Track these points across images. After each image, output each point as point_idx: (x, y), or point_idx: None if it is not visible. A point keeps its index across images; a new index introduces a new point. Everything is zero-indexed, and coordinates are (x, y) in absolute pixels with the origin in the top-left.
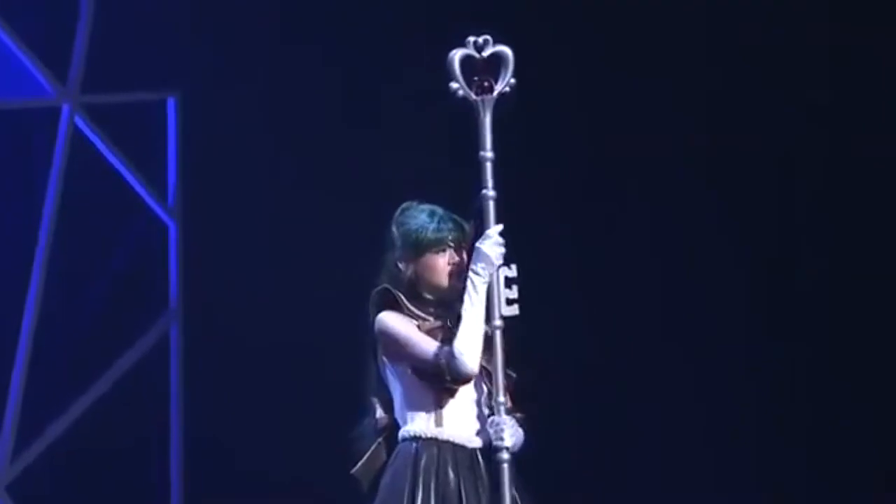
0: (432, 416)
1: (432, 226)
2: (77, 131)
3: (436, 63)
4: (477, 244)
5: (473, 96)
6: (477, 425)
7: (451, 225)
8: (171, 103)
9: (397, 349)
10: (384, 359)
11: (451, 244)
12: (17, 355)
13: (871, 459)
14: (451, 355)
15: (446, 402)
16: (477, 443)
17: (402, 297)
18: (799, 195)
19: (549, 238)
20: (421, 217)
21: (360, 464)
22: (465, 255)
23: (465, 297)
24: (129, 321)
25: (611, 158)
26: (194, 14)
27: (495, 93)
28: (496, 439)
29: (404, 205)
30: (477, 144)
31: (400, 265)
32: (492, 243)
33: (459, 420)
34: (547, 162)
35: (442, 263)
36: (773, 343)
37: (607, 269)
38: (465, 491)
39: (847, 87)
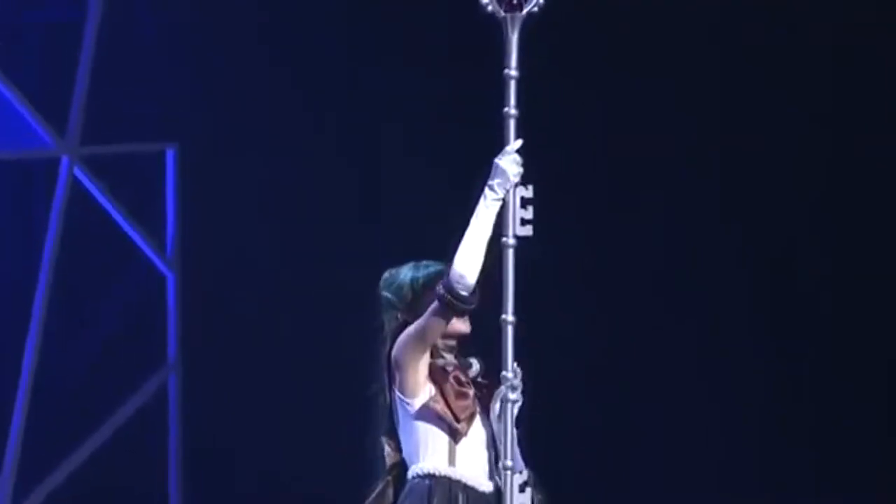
0: (445, 454)
1: (422, 273)
2: (76, 182)
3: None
4: (495, 160)
5: (502, 13)
6: (487, 469)
7: (439, 268)
8: (169, 154)
9: (414, 381)
10: (399, 395)
11: None
12: (16, 405)
13: (874, 460)
14: (451, 276)
15: (459, 441)
16: (488, 487)
17: None
18: (802, 195)
19: (555, 238)
20: (406, 270)
21: (367, 502)
22: None
23: (475, 212)
24: (127, 372)
25: (616, 159)
26: (192, 66)
27: (524, 11)
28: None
29: (386, 273)
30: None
31: (400, 318)
32: (510, 160)
33: (472, 461)
34: (555, 163)
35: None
36: (776, 343)
37: (611, 269)
38: None
39: (849, 88)
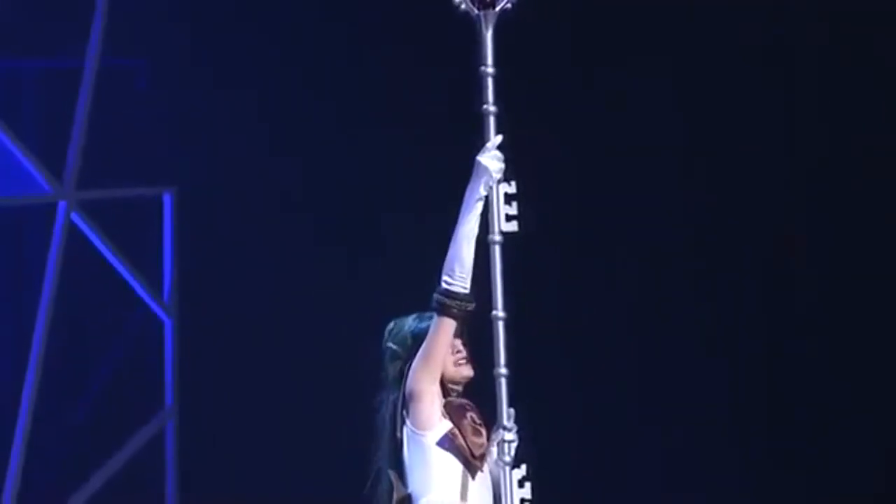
0: (458, 488)
1: (425, 323)
2: (73, 227)
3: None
4: (477, 157)
5: (475, 10)
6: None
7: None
8: (167, 199)
9: (427, 415)
10: (412, 428)
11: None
12: (13, 451)
13: (871, 461)
14: (442, 279)
15: (475, 477)
16: None
17: None
18: (799, 193)
19: (547, 238)
20: (410, 321)
21: None
22: (461, 343)
23: (460, 212)
24: (125, 418)
25: (611, 154)
26: (189, 111)
27: (497, 7)
28: None
29: (391, 323)
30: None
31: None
32: (491, 156)
33: (481, 499)
34: (547, 161)
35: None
36: (774, 343)
37: (608, 269)
38: None
39: (847, 87)
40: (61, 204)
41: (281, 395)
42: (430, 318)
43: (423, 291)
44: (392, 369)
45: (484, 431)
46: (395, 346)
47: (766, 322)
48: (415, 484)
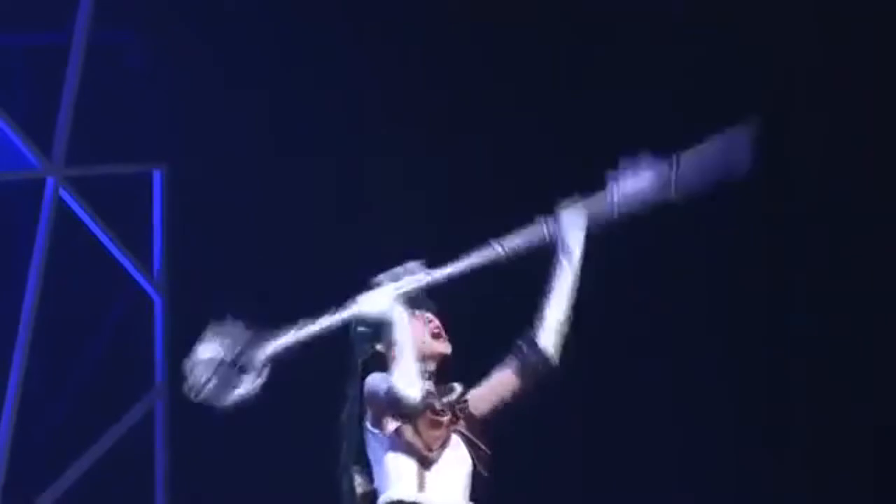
0: (415, 481)
1: (402, 300)
2: (62, 204)
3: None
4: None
5: None
6: (461, 494)
7: (414, 294)
8: (156, 176)
9: (383, 410)
10: (369, 426)
11: (417, 313)
12: (1, 430)
13: (869, 462)
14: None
15: (430, 468)
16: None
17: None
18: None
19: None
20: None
21: None
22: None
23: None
24: (114, 397)
25: (611, 159)
26: (179, 86)
27: None
28: None
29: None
30: None
31: (378, 348)
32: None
33: (445, 488)
34: (542, 161)
35: (419, 325)
36: (772, 343)
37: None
38: None
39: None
40: (50, 180)
41: (273, 372)
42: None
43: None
44: (360, 352)
45: (444, 419)
46: (360, 327)
47: (766, 322)
48: (377, 479)
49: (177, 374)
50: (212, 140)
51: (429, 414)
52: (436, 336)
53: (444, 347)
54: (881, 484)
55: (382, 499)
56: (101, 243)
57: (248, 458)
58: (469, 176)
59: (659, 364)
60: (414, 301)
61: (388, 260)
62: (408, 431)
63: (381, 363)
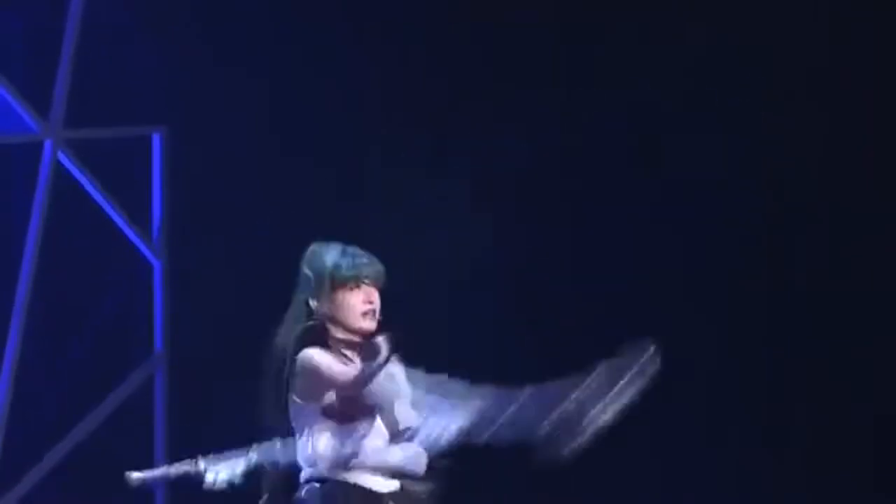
0: (340, 458)
1: (346, 261)
2: (60, 167)
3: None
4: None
5: None
6: (392, 465)
7: (365, 260)
8: (155, 139)
9: (317, 387)
10: (295, 398)
11: (367, 281)
12: None
13: (869, 462)
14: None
15: (356, 441)
16: (389, 486)
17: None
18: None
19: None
20: (333, 254)
21: None
22: (378, 296)
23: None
24: (113, 364)
25: (608, 157)
26: (179, 48)
27: None
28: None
29: (313, 246)
30: None
31: (311, 304)
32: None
33: (370, 460)
34: (540, 163)
35: (356, 301)
36: (770, 343)
37: (601, 267)
38: None
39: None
40: (47, 143)
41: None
42: (354, 256)
43: (420, 237)
44: (297, 301)
45: (367, 403)
46: (309, 273)
47: (765, 322)
48: (300, 454)
49: (176, 341)
50: (212, 102)
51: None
52: (365, 315)
53: (370, 326)
54: (881, 484)
55: (307, 474)
56: (99, 207)
57: (249, 426)
58: (469, 176)
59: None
60: (364, 267)
61: (394, 223)
62: (327, 409)
63: (319, 335)
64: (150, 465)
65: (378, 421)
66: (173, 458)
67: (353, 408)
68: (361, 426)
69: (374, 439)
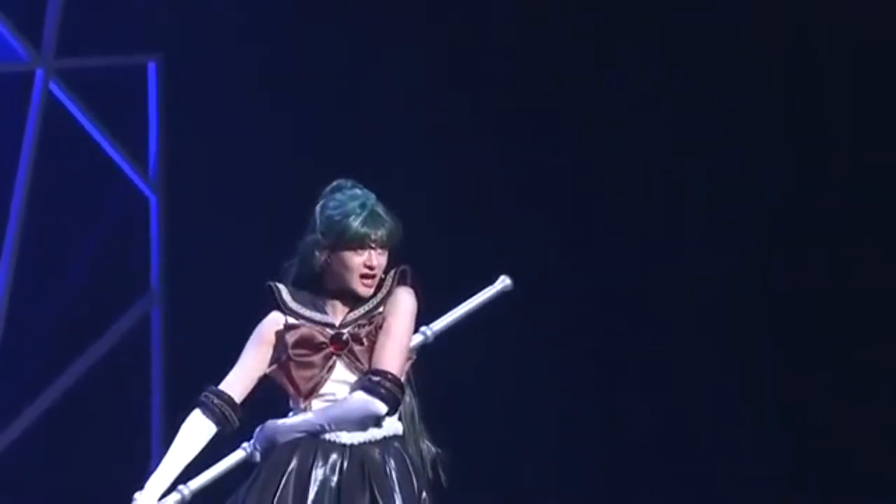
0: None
1: (359, 220)
2: (51, 98)
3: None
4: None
5: None
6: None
7: (378, 221)
8: (151, 67)
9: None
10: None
11: (373, 245)
12: None
13: (869, 459)
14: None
15: (311, 400)
16: (353, 438)
17: (284, 295)
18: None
19: (538, 235)
20: (350, 205)
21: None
22: (384, 259)
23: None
24: (108, 302)
25: (603, 157)
26: None
27: None
28: None
29: (337, 182)
30: None
31: (316, 252)
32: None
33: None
34: (537, 166)
35: (357, 263)
36: (768, 343)
37: (599, 266)
38: (324, 487)
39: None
40: (38, 72)
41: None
42: (371, 216)
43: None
44: (308, 241)
45: (317, 357)
46: (318, 215)
47: (764, 322)
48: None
49: (173, 279)
50: (210, 28)
51: (300, 353)
52: (363, 277)
53: (365, 291)
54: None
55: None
56: (92, 139)
57: None
58: (470, 176)
59: (659, 362)
60: (373, 231)
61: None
62: (280, 374)
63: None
64: (146, 405)
65: (343, 378)
66: (169, 399)
67: (296, 379)
68: (305, 395)
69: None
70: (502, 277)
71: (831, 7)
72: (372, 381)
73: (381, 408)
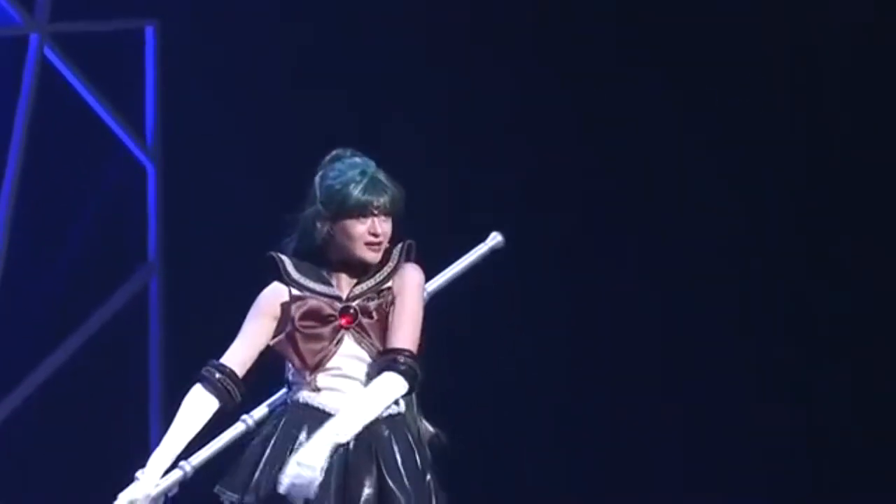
0: (307, 385)
1: (360, 187)
2: (46, 63)
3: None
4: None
5: None
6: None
7: (380, 188)
8: (149, 32)
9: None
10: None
11: (376, 212)
12: None
13: (869, 459)
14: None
15: (318, 373)
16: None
17: (288, 266)
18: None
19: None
20: (350, 174)
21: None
22: (388, 226)
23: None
24: (106, 273)
25: (604, 156)
26: None
27: None
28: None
29: (335, 152)
30: None
31: (317, 224)
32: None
33: (339, 386)
34: (536, 168)
35: (361, 231)
36: (768, 344)
37: (599, 267)
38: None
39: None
40: (33, 37)
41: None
42: (372, 183)
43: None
44: (308, 213)
45: (326, 329)
46: (318, 184)
47: (764, 322)
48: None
49: (171, 249)
50: None
51: (307, 326)
52: (368, 245)
53: (372, 258)
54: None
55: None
56: (89, 106)
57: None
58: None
59: (659, 361)
60: (375, 198)
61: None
62: (287, 346)
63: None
64: (144, 375)
65: (350, 353)
66: (169, 370)
67: (302, 352)
68: (311, 367)
69: (342, 371)
70: (493, 234)
71: (831, 7)
72: (396, 360)
73: (405, 386)
